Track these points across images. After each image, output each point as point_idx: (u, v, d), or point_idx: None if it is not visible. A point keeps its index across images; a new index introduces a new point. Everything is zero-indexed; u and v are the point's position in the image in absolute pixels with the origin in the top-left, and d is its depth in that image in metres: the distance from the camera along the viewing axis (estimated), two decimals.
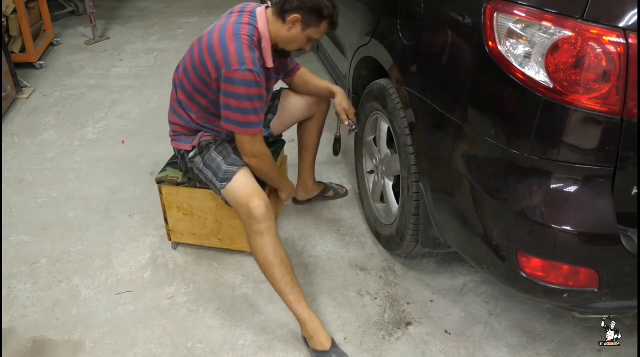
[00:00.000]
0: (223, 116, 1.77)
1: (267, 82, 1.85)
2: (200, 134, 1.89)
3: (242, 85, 1.68)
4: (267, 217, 1.74)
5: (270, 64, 1.80)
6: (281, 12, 1.71)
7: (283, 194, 2.13)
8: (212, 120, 1.88)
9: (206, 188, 2.01)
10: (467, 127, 1.48)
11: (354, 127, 2.14)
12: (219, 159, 1.87)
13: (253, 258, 2.15)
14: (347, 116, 2.11)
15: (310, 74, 2.14)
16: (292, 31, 1.73)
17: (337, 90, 2.10)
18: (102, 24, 4.60)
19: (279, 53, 1.84)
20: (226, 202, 1.87)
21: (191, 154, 1.91)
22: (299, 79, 2.12)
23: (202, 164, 1.89)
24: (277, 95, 2.16)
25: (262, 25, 1.74)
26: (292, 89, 2.16)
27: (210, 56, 1.70)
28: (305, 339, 1.81)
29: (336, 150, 2.29)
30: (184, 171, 2.02)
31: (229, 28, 1.71)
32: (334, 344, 1.76)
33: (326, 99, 2.18)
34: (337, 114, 2.12)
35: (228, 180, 1.81)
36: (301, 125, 2.23)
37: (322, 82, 2.13)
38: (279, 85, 2.11)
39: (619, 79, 1.20)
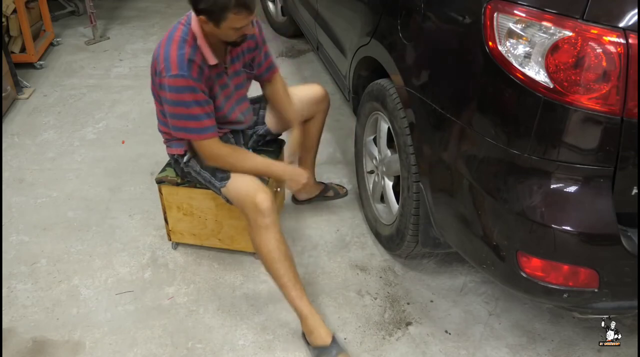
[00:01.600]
0: (170, 125, 1.78)
1: (220, 78, 1.80)
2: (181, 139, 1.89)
3: (171, 91, 1.67)
4: (272, 211, 1.75)
5: (211, 60, 1.72)
6: (195, 13, 1.67)
7: (290, 184, 1.92)
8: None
9: (206, 188, 2.01)
10: (467, 127, 1.48)
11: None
12: None
13: (253, 258, 2.16)
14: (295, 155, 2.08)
15: (283, 91, 2.04)
16: (211, 29, 1.66)
17: (295, 126, 2.04)
18: (102, 24, 4.59)
19: (228, 44, 1.76)
20: (227, 200, 1.87)
21: (186, 158, 1.91)
22: (271, 90, 2.04)
23: (198, 166, 1.89)
24: (250, 72, 2.04)
25: (194, 24, 1.70)
26: (265, 97, 2.09)
27: (155, 66, 1.73)
28: (304, 337, 1.81)
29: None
30: (181, 176, 2.01)
31: (166, 34, 1.72)
32: (334, 339, 1.76)
33: (325, 99, 2.17)
34: (285, 150, 2.09)
35: (227, 178, 1.81)
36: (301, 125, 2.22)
37: (288, 108, 2.04)
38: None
39: (619, 79, 1.20)
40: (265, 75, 2.01)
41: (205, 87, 1.73)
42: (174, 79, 1.65)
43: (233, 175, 1.81)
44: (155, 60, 1.73)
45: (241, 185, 1.80)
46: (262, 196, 1.74)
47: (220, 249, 2.20)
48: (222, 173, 1.83)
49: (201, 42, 1.70)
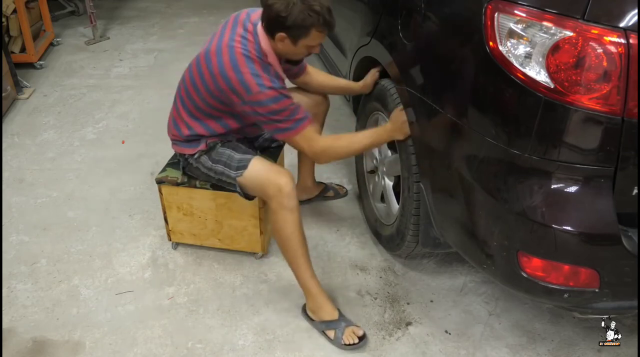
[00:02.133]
0: (269, 130, 1.80)
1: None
2: (204, 139, 1.89)
3: (271, 103, 1.68)
4: (295, 195, 1.78)
5: (282, 75, 1.81)
6: (268, 32, 1.69)
7: (396, 134, 1.82)
8: (223, 132, 1.88)
9: (206, 188, 2.01)
10: (467, 127, 1.48)
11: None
12: (228, 151, 1.88)
13: (253, 258, 2.16)
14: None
15: (323, 75, 2.12)
16: (285, 47, 1.71)
17: (355, 85, 2.12)
18: (102, 24, 4.60)
19: (289, 62, 1.84)
20: (240, 192, 1.87)
21: (197, 155, 1.91)
22: (313, 80, 2.10)
23: (209, 162, 1.89)
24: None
25: (264, 42, 1.72)
26: (307, 89, 2.13)
27: (226, 83, 1.69)
28: (309, 317, 1.88)
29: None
30: (187, 172, 2.01)
31: (237, 50, 1.68)
32: (340, 313, 1.85)
33: (325, 101, 2.18)
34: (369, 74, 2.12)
35: (244, 167, 1.82)
36: None
37: (339, 81, 2.12)
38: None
39: (619, 79, 1.20)
40: (301, 71, 2.07)
41: None
42: (270, 90, 1.67)
43: (251, 163, 1.82)
44: (230, 77, 1.67)
45: (261, 170, 1.81)
46: (285, 179, 1.76)
47: (220, 249, 2.20)
48: (237, 162, 1.84)
49: (272, 59, 1.74)
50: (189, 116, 1.87)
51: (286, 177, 1.77)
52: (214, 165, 1.89)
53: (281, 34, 1.66)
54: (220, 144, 1.90)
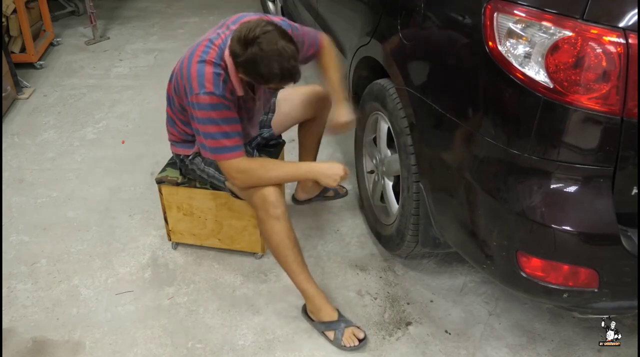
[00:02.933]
0: (197, 142, 1.75)
1: (246, 104, 1.80)
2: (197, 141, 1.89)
3: (202, 109, 1.64)
4: (281, 202, 1.76)
5: (239, 92, 1.71)
6: (234, 63, 1.61)
7: (326, 181, 1.77)
8: None
9: (206, 188, 2.01)
10: (466, 127, 1.48)
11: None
12: None
13: (253, 258, 2.16)
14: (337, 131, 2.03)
15: (331, 63, 1.97)
16: (244, 78, 1.65)
17: (337, 103, 1.99)
18: (102, 24, 4.59)
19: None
20: (232, 194, 1.87)
21: (191, 156, 1.91)
22: (320, 62, 1.97)
23: (202, 164, 1.90)
24: (274, 93, 2.14)
25: (228, 58, 1.64)
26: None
27: (178, 84, 1.71)
28: (309, 317, 1.88)
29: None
30: (184, 173, 2.02)
31: (198, 50, 1.66)
32: (340, 314, 1.84)
33: (326, 100, 2.17)
34: (330, 121, 2.04)
35: None
36: (302, 125, 2.22)
37: (333, 83, 2.00)
38: None
39: (619, 79, 1.20)
40: (315, 54, 1.94)
41: (234, 108, 1.71)
42: (208, 96, 1.62)
43: None
44: (184, 74, 1.66)
45: None
46: (270, 188, 1.75)
47: (220, 249, 2.20)
48: None
49: (233, 76, 1.67)
50: (178, 115, 1.87)
51: (271, 185, 1.75)
52: (206, 167, 1.89)
53: (242, 75, 1.62)
54: None
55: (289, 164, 1.90)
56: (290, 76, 1.57)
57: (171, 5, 5.16)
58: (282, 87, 1.71)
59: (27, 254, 2.22)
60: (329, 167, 1.78)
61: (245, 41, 1.53)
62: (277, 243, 1.79)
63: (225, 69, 1.67)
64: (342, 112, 1.97)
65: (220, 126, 1.66)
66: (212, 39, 1.69)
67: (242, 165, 1.72)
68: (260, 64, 1.53)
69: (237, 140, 1.70)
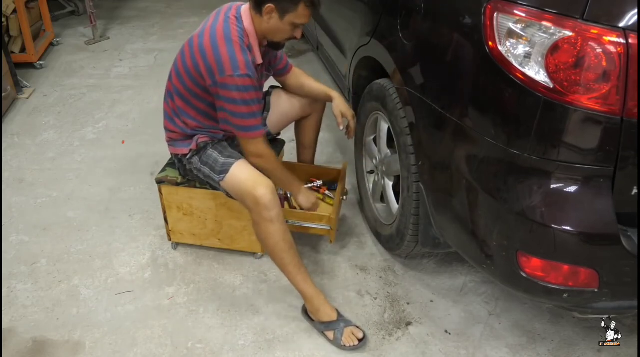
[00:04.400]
0: (221, 119, 1.78)
1: (259, 81, 1.85)
2: (196, 137, 1.89)
3: (237, 90, 1.68)
4: (275, 204, 1.76)
5: (259, 59, 1.79)
6: (256, 6, 1.71)
7: (300, 198, 1.99)
8: (209, 124, 1.88)
9: (206, 188, 2.01)
10: (467, 127, 1.48)
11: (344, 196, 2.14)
12: (215, 154, 1.87)
13: (253, 258, 2.16)
14: (347, 119, 2.10)
15: (306, 76, 2.12)
16: (271, 22, 1.71)
17: (335, 94, 2.09)
18: (102, 24, 4.60)
19: (271, 46, 1.83)
20: (228, 195, 1.87)
21: (188, 156, 1.92)
22: (294, 80, 2.10)
23: (199, 163, 1.89)
24: (269, 92, 2.16)
25: (247, 23, 1.74)
26: (287, 90, 2.14)
27: (203, 61, 1.70)
28: (306, 314, 1.88)
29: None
30: (183, 174, 2.02)
31: (219, 30, 1.70)
32: (339, 314, 1.85)
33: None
34: (335, 117, 2.11)
35: (226, 171, 1.82)
36: (298, 123, 2.23)
37: (319, 86, 2.11)
38: (270, 82, 2.10)
39: (619, 79, 1.20)
40: (285, 70, 2.07)
41: (259, 86, 1.79)
42: (243, 78, 1.67)
43: (232, 168, 1.81)
44: (207, 53, 1.68)
45: (240, 178, 1.80)
46: (262, 190, 1.74)
47: (220, 249, 2.20)
48: (220, 167, 1.84)
49: (253, 41, 1.75)
50: (175, 110, 1.88)
51: (264, 187, 1.75)
52: (202, 167, 1.89)
53: (270, 6, 1.67)
54: (210, 145, 1.89)
55: (289, 176, 1.97)
56: None
57: (171, 5, 5.16)
58: (298, 35, 1.77)
59: (27, 254, 2.22)
60: (308, 203, 2.00)
61: None
62: (272, 246, 1.79)
63: (248, 42, 1.73)
64: (340, 102, 2.09)
65: (251, 107, 1.73)
66: (225, 22, 1.72)
67: (262, 147, 1.82)
68: None
69: (260, 119, 1.80)
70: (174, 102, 1.88)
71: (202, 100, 1.81)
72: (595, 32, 1.20)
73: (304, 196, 2.00)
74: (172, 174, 2.06)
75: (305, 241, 2.26)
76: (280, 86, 2.16)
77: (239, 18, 1.74)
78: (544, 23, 1.26)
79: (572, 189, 1.34)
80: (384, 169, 2.11)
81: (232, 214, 2.06)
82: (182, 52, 1.81)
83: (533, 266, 1.41)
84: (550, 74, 1.26)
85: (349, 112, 2.09)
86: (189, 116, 1.86)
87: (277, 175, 1.89)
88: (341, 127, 2.11)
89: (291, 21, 1.70)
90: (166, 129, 1.96)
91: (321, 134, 2.36)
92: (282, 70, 2.07)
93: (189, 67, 1.76)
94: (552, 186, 1.35)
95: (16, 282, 2.08)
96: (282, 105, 2.14)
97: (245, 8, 1.77)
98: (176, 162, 2.01)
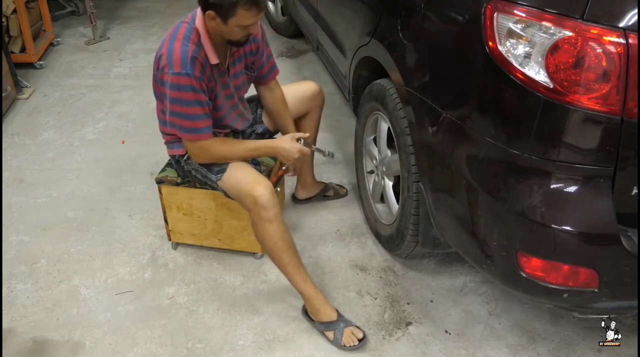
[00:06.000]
0: (167, 121, 1.77)
1: (222, 77, 1.80)
2: None
3: (172, 89, 1.67)
4: (274, 204, 1.75)
5: (213, 59, 1.72)
6: (201, 10, 1.67)
7: (282, 158, 1.89)
8: None
9: (206, 188, 2.01)
10: (467, 127, 1.48)
11: (326, 152, 2.04)
12: None
13: (253, 258, 2.16)
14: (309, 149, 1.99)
15: (283, 105, 2.04)
16: (218, 26, 1.66)
17: (285, 138, 1.92)
18: (102, 24, 4.59)
19: (231, 43, 1.76)
20: (226, 195, 1.87)
21: (185, 156, 1.91)
22: (269, 98, 2.04)
23: (196, 164, 1.89)
24: (252, 72, 2.04)
25: (198, 22, 1.70)
26: (261, 100, 2.08)
27: (155, 63, 1.73)
28: (307, 314, 1.88)
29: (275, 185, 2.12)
30: (181, 175, 2.02)
31: (170, 31, 1.71)
32: (339, 314, 1.84)
33: (319, 95, 2.17)
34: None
35: (223, 171, 1.82)
36: (297, 122, 2.22)
37: (286, 121, 2.04)
38: None
39: (619, 79, 1.20)
40: (267, 77, 2.01)
41: (206, 86, 1.72)
42: (177, 76, 1.65)
43: (229, 168, 1.81)
44: (157, 56, 1.72)
45: (238, 178, 1.80)
46: (260, 190, 1.74)
47: (220, 249, 2.20)
48: (218, 166, 1.84)
49: (205, 40, 1.70)
50: (163, 113, 1.86)
51: (262, 187, 1.74)
52: (199, 167, 1.89)
53: (210, 12, 1.62)
54: None
55: (251, 143, 1.91)
56: None
57: (171, 5, 5.16)
58: (250, 32, 1.69)
59: (27, 254, 2.22)
60: (286, 148, 1.85)
61: None
62: (271, 246, 1.79)
63: (197, 39, 1.69)
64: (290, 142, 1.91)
65: (189, 107, 1.70)
66: (179, 23, 1.73)
67: (204, 145, 1.77)
68: None
69: (204, 123, 1.73)
70: (162, 104, 1.87)
71: None
72: (595, 32, 1.20)
73: (281, 154, 1.87)
74: (172, 174, 2.06)
75: (304, 241, 2.26)
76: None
77: (192, 18, 1.72)
78: (544, 23, 1.26)
79: (572, 189, 1.34)
80: (384, 169, 2.11)
81: (232, 214, 2.06)
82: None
83: (533, 266, 1.41)
84: (550, 74, 1.26)
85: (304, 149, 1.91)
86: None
87: (237, 154, 1.83)
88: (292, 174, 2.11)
89: (236, 24, 1.63)
90: (161, 131, 1.96)
91: (320, 134, 2.36)
92: (261, 77, 2.00)
93: (154, 71, 1.78)
94: (552, 186, 1.35)
95: (16, 282, 2.08)
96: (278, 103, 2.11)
97: (200, 9, 1.71)
98: (174, 163, 2.01)
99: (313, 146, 2.00)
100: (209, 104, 1.75)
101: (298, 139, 1.88)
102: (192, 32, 1.69)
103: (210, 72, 1.74)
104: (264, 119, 2.14)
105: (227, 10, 1.59)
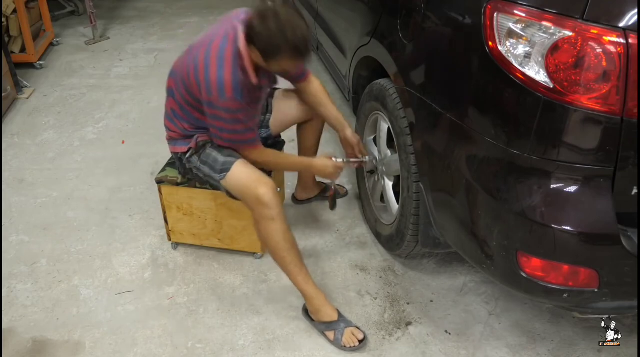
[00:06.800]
0: (212, 133, 1.82)
1: (258, 92, 1.83)
2: (196, 136, 1.89)
3: (225, 112, 1.70)
4: (276, 203, 1.76)
5: (254, 79, 1.73)
6: (246, 39, 1.65)
7: (322, 177, 2.01)
8: (205, 128, 1.87)
9: (206, 188, 2.01)
10: (467, 127, 1.48)
11: (363, 159, 2.08)
12: (214, 153, 1.86)
13: (253, 258, 2.16)
14: (356, 151, 2.06)
15: (325, 96, 2.05)
16: (257, 59, 1.66)
17: (346, 125, 2.04)
18: (102, 24, 4.60)
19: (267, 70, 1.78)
20: (228, 194, 1.87)
21: (188, 154, 1.91)
22: (312, 97, 2.05)
23: (198, 162, 1.89)
24: (271, 94, 2.12)
25: (242, 45, 1.67)
26: (300, 97, 2.09)
27: (195, 76, 1.70)
28: (307, 314, 1.88)
29: (332, 206, 2.19)
30: (183, 174, 2.02)
31: (214, 48, 1.68)
32: (340, 314, 1.84)
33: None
34: (345, 149, 2.11)
35: (227, 170, 1.82)
36: (300, 125, 2.22)
37: (335, 111, 2.06)
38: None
39: (619, 79, 1.20)
40: (301, 78, 2.01)
41: (248, 104, 1.75)
42: (228, 101, 1.67)
43: (233, 167, 1.81)
44: (199, 70, 1.68)
45: (241, 177, 1.80)
46: (263, 189, 1.75)
47: (220, 249, 2.20)
48: (221, 166, 1.84)
49: (248, 65, 1.69)
50: (172, 107, 1.88)
51: (265, 186, 1.75)
52: (202, 166, 1.89)
53: (253, 46, 1.62)
54: (210, 144, 1.88)
55: (296, 158, 2.10)
56: (304, 46, 1.58)
57: (171, 5, 5.16)
58: (291, 72, 1.82)
59: (27, 254, 2.22)
60: (324, 166, 1.96)
61: (262, 15, 1.57)
62: (273, 245, 1.79)
63: (242, 63, 1.69)
64: (350, 133, 2.07)
65: (244, 124, 1.77)
66: (224, 38, 1.69)
67: (261, 155, 1.88)
68: (278, 34, 1.54)
69: (256, 133, 1.85)
70: (174, 101, 1.87)
71: (197, 110, 1.81)
72: (595, 32, 1.20)
73: (320, 173, 2.00)
74: (172, 174, 2.06)
75: (305, 241, 2.26)
76: (283, 89, 2.13)
77: (235, 38, 1.68)
78: (544, 23, 1.26)
79: (572, 189, 1.34)
80: (384, 169, 2.11)
81: (232, 214, 2.06)
82: (186, 54, 1.79)
83: (533, 266, 1.41)
84: (550, 74, 1.26)
85: (360, 145, 2.06)
86: (184, 121, 1.87)
87: (284, 166, 2.00)
88: (352, 160, 2.08)
89: (277, 66, 1.64)
90: (166, 127, 1.96)
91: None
92: (297, 77, 2.01)
93: (184, 77, 1.76)
94: (552, 186, 1.35)
95: (16, 282, 2.08)
96: (284, 108, 2.12)
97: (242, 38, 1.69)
98: (176, 160, 2.01)
99: (345, 159, 2.06)
100: (255, 117, 1.87)
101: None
102: (238, 57, 1.68)
103: (251, 91, 1.76)
104: (271, 124, 2.14)
105: (270, 53, 1.60)
